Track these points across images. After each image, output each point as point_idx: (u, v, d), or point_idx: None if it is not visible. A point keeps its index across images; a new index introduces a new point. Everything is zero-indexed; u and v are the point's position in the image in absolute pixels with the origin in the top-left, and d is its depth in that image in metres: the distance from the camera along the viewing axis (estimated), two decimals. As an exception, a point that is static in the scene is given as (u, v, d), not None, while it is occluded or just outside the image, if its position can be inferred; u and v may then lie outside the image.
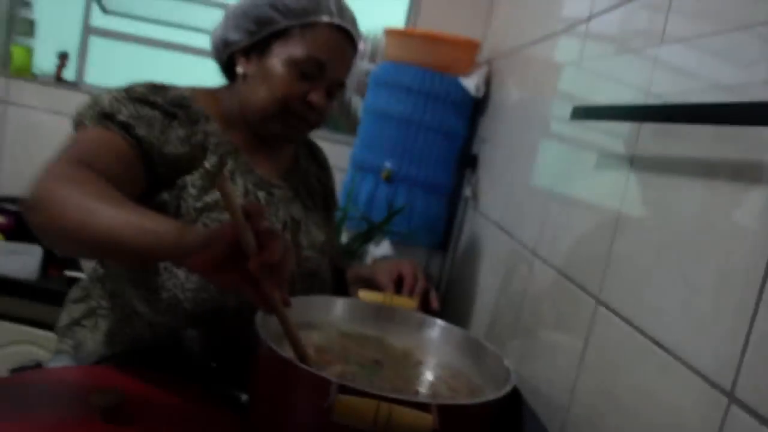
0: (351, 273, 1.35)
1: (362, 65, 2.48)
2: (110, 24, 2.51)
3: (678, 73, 0.79)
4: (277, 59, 1.09)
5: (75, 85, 2.45)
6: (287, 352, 0.85)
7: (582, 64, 1.15)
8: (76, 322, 1.12)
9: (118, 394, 0.83)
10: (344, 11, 1.13)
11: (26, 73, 2.42)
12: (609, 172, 0.93)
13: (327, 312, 1.10)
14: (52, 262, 1.94)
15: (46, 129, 2.40)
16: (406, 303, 1.18)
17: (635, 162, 0.84)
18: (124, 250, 0.80)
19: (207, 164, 1.07)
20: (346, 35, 1.12)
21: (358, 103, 2.49)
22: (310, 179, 1.28)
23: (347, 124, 2.51)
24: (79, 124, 1.00)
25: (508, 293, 1.31)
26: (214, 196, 1.05)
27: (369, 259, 1.83)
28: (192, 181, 1.04)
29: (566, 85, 1.21)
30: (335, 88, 1.13)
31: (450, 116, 1.89)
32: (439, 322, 1.12)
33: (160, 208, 1.01)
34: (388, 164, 1.89)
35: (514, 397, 0.96)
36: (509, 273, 1.33)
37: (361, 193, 1.92)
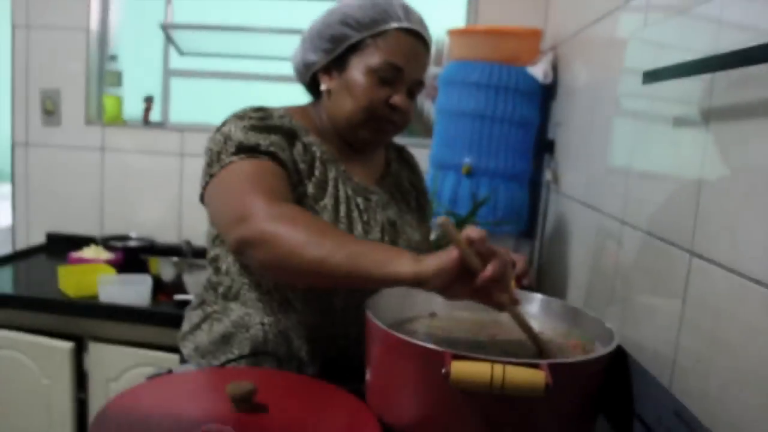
0: None
1: (429, 70, 2.53)
2: (188, 64, 2.67)
3: (743, 26, 0.80)
4: (357, 70, 1.15)
5: (161, 125, 2.61)
6: (399, 333, 0.91)
7: (645, 34, 1.16)
8: (196, 327, 1.21)
9: (251, 385, 0.91)
10: (411, 14, 1.18)
11: (118, 120, 2.60)
12: (686, 130, 0.94)
13: (429, 302, 1.16)
14: (160, 289, 2.07)
15: (138, 169, 2.57)
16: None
17: (712, 115, 0.85)
18: (366, 281, 0.91)
19: (317, 173, 1.16)
20: (416, 36, 1.17)
21: (429, 107, 2.55)
22: (403, 182, 1.34)
23: (421, 127, 2.57)
24: (215, 161, 1.09)
25: (600, 265, 1.33)
26: (323, 203, 1.14)
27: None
28: (310, 187, 1.13)
29: (633, 57, 1.23)
30: (415, 87, 1.19)
31: (522, 105, 1.92)
32: (538, 296, 1.15)
33: None
34: (467, 159, 1.93)
35: (621, 357, 0.98)
36: (599, 246, 1.35)
37: (444, 190, 1.97)
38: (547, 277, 1.84)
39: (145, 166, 2.56)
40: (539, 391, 0.77)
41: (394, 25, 1.15)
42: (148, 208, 2.57)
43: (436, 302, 1.16)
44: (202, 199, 1.14)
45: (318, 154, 1.17)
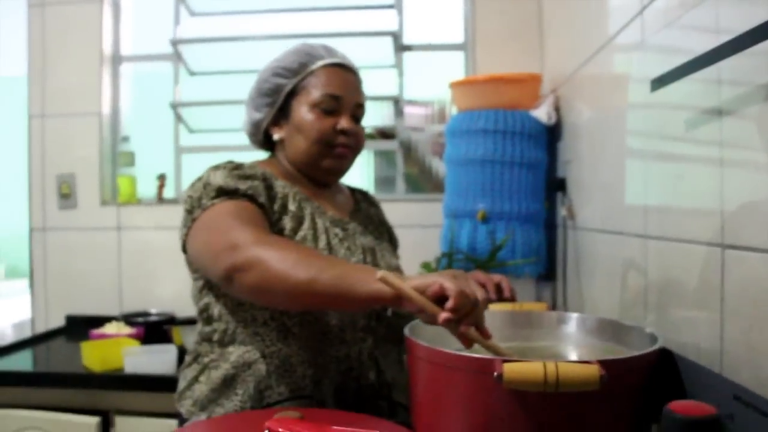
0: None
1: (432, 128, 2.60)
2: (198, 141, 2.75)
3: (744, 5, 0.84)
4: (301, 111, 1.26)
5: (175, 201, 2.66)
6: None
7: (645, 47, 1.21)
8: (193, 381, 1.22)
9: (298, 414, 0.90)
10: (332, 51, 1.31)
11: (132, 199, 2.65)
12: (699, 126, 0.97)
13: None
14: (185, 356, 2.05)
15: (154, 245, 2.59)
16: (536, 306, 1.22)
17: (725, 104, 0.89)
18: (351, 299, 0.94)
19: (293, 208, 1.22)
20: (343, 67, 1.30)
21: (436, 164, 2.60)
22: (373, 218, 1.44)
23: (430, 184, 2.61)
24: (196, 207, 1.15)
25: (628, 286, 1.33)
26: (302, 234, 1.19)
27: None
28: (285, 222, 1.20)
29: (635, 76, 1.28)
30: (357, 111, 1.30)
31: (529, 148, 1.96)
32: (574, 314, 1.16)
33: None
34: (480, 205, 1.96)
35: (667, 357, 0.98)
36: (625, 268, 1.35)
37: (461, 238, 1.98)
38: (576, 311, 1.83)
39: (162, 242, 2.58)
40: (594, 384, 0.76)
41: (320, 63, 1.28)
42: (166, 283, 2.58)
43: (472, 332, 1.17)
44: (184, 246, 1.19)
45: (292, 194, 1.24)
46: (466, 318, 0.89)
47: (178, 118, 2.68)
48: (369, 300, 0.92)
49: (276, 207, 1.20)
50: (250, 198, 1.15)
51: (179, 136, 2.72)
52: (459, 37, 2.56)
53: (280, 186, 1.24)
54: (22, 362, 2.19)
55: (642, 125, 1.25)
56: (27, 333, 2.62)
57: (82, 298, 2.62)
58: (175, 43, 2.64)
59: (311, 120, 1.25)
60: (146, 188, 2.71)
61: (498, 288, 1.30)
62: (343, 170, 1.33)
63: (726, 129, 0.89)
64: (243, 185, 1.15)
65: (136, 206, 2.65)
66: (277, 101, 1.29)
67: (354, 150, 1.30)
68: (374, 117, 2.65)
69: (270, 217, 1.17)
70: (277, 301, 1.05)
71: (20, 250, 2.84)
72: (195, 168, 2.71)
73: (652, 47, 1.19)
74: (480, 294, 0.89)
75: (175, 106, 2.63)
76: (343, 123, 1.26)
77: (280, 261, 0.97)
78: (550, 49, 2.25)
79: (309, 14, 2.71)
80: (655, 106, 1.16)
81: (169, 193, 2.69)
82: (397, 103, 2.57)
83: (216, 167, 1.21)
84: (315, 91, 1.26)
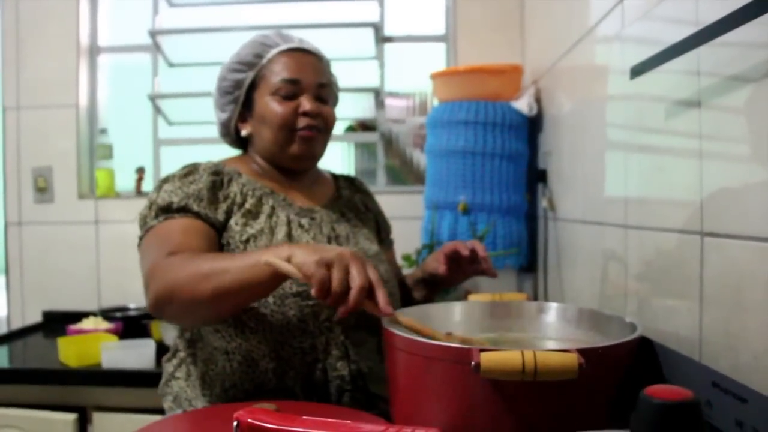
0: (408, 279, 1.45)
1: (413, 120, 2.59)
2: (177, 133, 2.72)
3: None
4: (262, 102, 1.25)
5: (154, 195, 2.62)
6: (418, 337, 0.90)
7: (624, 37, 1.20)
8: (171, 377, 1.23)
9: (273, 406, 0.89)
10: (287, 36, 1.30)
11: (111, 193, 2.61)
12: (679, 117, 0.97)
13: (446, 317, 1.15)
14: (164, 354, 2.03)
15: (133, 239, 2.54)
16: (516, 296, 1.21)
17: (703, 95, 0.88)
18: (256, 288, 0.99)
19: (247, 205, 1.21)
20: (300, 51, 1.28)
21: (417, 156, 2.59)
22: (356, 204, 1.41)
23: (411, 176, 2.60)
24: (144, 227, 1.17)
25: (608, 276, 1.33)
26: (254, 228, 1.18)
27: (464, 290, 1.86)
28: (235, 220, 1.18)
29: (615, 60, 1.27)
30: (321, 91, 1.28)
31: (510, 139, 1.96)
32: (554, 304, 1.15)
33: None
34: (462, 197, 1.95)
35: (647, 346, 0.97)
36: (605, 258, 1.35)
37: (442, 230, 1.98)
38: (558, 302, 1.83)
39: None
40: (573, 373, 0.76)
41: (275, 51, 1.27)
42: (144, 278, 2.54)
43: (452, 322, 1.16)
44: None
45: (251, 190, 1.23)
46: (343, 303, 0.92)
47: (157, 110, 2.65)
48: (276, 281, 0.98)
49: (225, 207, 1.18)
50: (184, 209, 1.14)
51: (158, 128, 2.69)
52: (440, 29, 2.55)
53: (241, 183, 1.23)
54: (-3, 359, 2.15)
55: (622, 116, 1.25)
56: (3, 329, 2.58)
57: (59, 293, 2.58)
58: (153, 33, 2.60)
59: (273, 107, 1.23)
60: (125, 181, 2.67)
61: (473, 252, 1.28)
62: (314, 154, 1.30)
63: (704, 119, 0.89)
64: (177, 197, 1.15)
65: (115, 200, 2.61)
66: (239, 97, 1.28)
67: (322, 131, 1.28)
68: (355, 109, 2.63)
69: (212, 220, 1.16)
70: (205, 318, 1.10)
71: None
72: (174, 160, 2.68)
73: (632, 37, 1.18)
74: (358, 281, 0.90)
75: (153, 98, 2.60)
76: (305, 104, 1.24)
77: (187, 281, 0.99)
78: (531, 40, 2.25)
79: (289, 5, 2.68)
80: (635, 97, 1.16)
81: (148, 186, 2.65)
82: (378, 94, 2.55)
83: (164, 179, 1.21)
84: (273, 78, 1.25)
